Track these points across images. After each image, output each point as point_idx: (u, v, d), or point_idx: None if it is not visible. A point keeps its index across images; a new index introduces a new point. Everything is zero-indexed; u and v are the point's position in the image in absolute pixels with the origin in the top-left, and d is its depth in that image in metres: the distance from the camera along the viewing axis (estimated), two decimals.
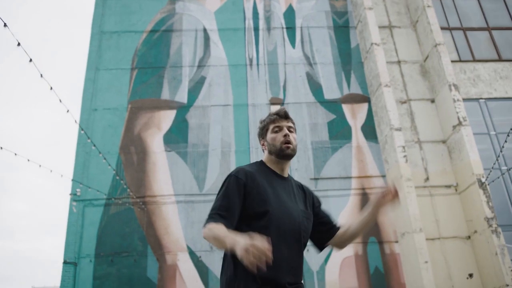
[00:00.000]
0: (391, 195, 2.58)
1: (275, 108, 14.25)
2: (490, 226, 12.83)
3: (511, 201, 15.46)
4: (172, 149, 14.48)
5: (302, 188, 2.75)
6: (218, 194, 2.53)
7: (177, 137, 14.67)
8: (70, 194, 13.76)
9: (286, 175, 2.66)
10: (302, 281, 2.53)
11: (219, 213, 2.38)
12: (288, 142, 2.56)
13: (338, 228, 2.86)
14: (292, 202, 2.57)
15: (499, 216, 13.86)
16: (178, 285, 12.72)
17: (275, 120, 2.63)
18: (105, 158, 12.43)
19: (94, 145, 12.30)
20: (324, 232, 2.81)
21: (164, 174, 14.10)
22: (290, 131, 2.62)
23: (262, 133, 2.70)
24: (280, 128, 2.59)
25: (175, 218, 13.52)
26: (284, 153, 2.56)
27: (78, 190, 13.66)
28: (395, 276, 13.18)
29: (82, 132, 12.94)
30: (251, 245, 1.96)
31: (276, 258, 2.29)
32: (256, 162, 2.67)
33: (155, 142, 14.56)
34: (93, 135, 14.16)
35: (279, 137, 2.57)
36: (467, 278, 13.24)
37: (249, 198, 2.45)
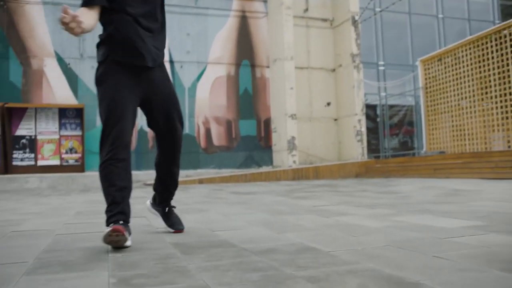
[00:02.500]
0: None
1: None
2: (354, 61, 13.91)
3: (377, 41, 16.74)
4: None
5: None
6: None
7: None
8: None
9: None
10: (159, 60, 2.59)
11: None
12: None
13: None
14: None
15: (363, 53, 15.01)
16: (45, 91, 12.31)
17: None
18: None
19: None
20: None
21: None
22: None
23: None
24: None
25: (41, 20, 12.44)
26: None
27: None
28: (262, 98, 14.12)
29: None
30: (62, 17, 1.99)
31: (120, 40, 2.40)
32: None
33: None
34: None
35: None
36: (325, 106, 14.67)
37: None
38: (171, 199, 2.84)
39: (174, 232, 2.74)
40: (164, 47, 2.65)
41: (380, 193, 5.84)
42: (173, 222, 2.77)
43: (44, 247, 2.33)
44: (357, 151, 13.72)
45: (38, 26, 12.39)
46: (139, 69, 2.46)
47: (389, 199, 4.91)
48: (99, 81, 2.45)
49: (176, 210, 2.91)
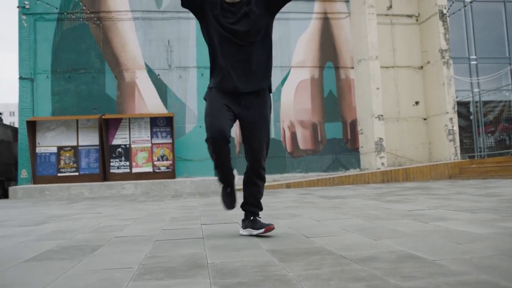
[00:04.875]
0: None
1: None
2: (443, 57, 13.24)
3: (467, 35, 15.78)
4: None
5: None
6: None
7: None
8: (18, 7, 12.95)
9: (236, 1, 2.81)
10: (260, 87, 2.93)
11: None
12: None
13: None
14: (234, 22, 2.80)
15: (453, 48, 14.23)
16: (137, 102, 12.98)
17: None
18: None
19: None
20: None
21: None
22: None
23: None
24: None
25: (132, 35, 13.16)
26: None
27: (26, 2, 12.84)
28: (347, 100, 13.84)
29: None
30: None
31: (223, 71, 2.85)
32: None
33: None
34: None
35: None
36: (413, 105, 14.08)
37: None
38: (256, 209, 2.98)
39: (264, 231, 2.82)
40: (264, 75, 2.94)
41: (480, 196, 5.44)
42: (261, 224, 2.89)
43: (146, 253, 2.39)
44: (449, 151, 13.02)
45: (130, 41, 13.11)
46: (236, 93, 2.90)
47: (491, 202, 4.54)
48: (205, 99, 2.98)
49: (267, 215, 3.02)
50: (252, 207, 2.96)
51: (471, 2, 14.63)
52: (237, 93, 2.87)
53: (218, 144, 2.74)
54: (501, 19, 15.95)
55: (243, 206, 3.00)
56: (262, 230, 2.83)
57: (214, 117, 2.81)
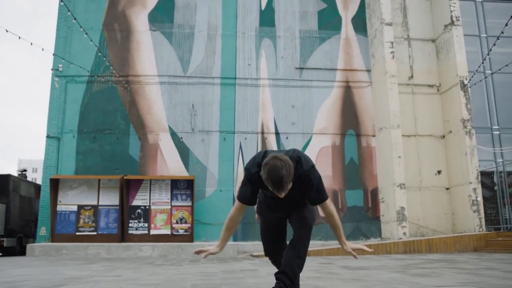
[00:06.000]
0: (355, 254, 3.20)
1: None
2: (465, 127, 13.22)
3: (489, 105, 15.81)
4: (157, 29, 14.05)
5: (299, 181, 3.04)
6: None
7: (162, 16, 14.17)
8: (52, 70, 13.54)
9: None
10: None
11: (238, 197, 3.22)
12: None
13: (314, 204, 3.29)
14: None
15: (475, 118, 14.23)
16: (159, 163, 13.13)
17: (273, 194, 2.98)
18: (86, 33, 12.04)
19: (75, 19, 11.84)
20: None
21: (148, 54, 13.84)
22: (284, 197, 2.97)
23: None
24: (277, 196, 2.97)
25: (158, 98, 13.54)
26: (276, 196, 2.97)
27: (60, 65, 13.43)
28: (369, 168, 13.78)
29: (62, 3, 12.37)
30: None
31: (268, 204, 3.28)
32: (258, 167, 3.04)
33: (140, 21, 14.08)
34: (75, 9, 13.57)
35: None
36: (436, 174, 13.92)
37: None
38: (282, 277, 3.00)
39: None
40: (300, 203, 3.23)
41: (511, 273, 5.22)
42: None
43: None
44: (473, 222, 12.69)
45: (155, 104, 13.48)
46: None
47: None
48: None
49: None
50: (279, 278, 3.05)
51: (492, 74, 14.77)
52: None
53: None
54: None
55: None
56: None
57: None
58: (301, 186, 3.01)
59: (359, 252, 3.23)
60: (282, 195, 2.83)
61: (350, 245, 3.23)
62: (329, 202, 3.17)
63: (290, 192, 2.93)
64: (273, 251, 3.39)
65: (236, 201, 3.19)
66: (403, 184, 12.60)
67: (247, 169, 3.11)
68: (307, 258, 3.41)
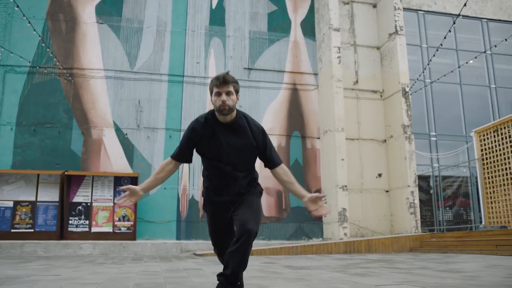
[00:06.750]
0: (315, 208, 3.23)
1: None
2: (405, 132, 13.78)
3: (428, 112, 16.56)
4: (105, 22, 13.71)
5: (250, 128, 3.31)
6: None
7: (110, 9, 13.84)
8: None
9: (229, 120, 3.23)
10: (243, 192, 3.37)
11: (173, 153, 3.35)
12: (225, 104, 3.09)
13: (272, 167, 3.50)
14: (229, 142, 3.25)
15: (415, 124, 14.86)
16: (103, 159, 12.81)
17: (216, 85, 3.12)
18: (29, 22, 11.56)
19: (18, 6, 11.33)
20: (264, 163, 3.53)
21: (94, 47, 13.47)
22: (228, 95, 3.12)
23: (210, 93, 3.24)
24: (219, 94, 3.11)
25: (103, 93, 13.21)
26: (222, 112, 3.14)
27: None
28: (313, 169, 14.08)
29: None
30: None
31: (213, 186, 3.34)
32: (210, 111, 3.28)
33: (87, 12, 13.68)
34: None
35: (218, 101, 3.11)
36: (376, 177, 14.42)
37: (197, 146, 3.31)
38: (224, 275, 3.08)
39: None
40: (247, 185, 3.42)
41: (443, 272, 5.53)
42: None
43: None
44: (410, 224, 13.25)
45: (100, 98, 13.14)
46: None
47: (455, 279, 4.63)
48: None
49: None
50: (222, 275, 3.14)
51: (431, 83, 15.49)
52: None
53: None
54: (458, 99, 16.90)
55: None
56: None
57: None
58: (253, 138, 3.26)
59: (317, 200, 3.21)
60: (225, 90, 3.06)
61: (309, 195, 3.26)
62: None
63: (240, 139, 3.19)
64: (222, 245, 3.42)
65: (168, 158, 3.30)
66: (346, 186, 12.96)
67: (193, 121, 3.28)
68: (250, 258, 3.46)
